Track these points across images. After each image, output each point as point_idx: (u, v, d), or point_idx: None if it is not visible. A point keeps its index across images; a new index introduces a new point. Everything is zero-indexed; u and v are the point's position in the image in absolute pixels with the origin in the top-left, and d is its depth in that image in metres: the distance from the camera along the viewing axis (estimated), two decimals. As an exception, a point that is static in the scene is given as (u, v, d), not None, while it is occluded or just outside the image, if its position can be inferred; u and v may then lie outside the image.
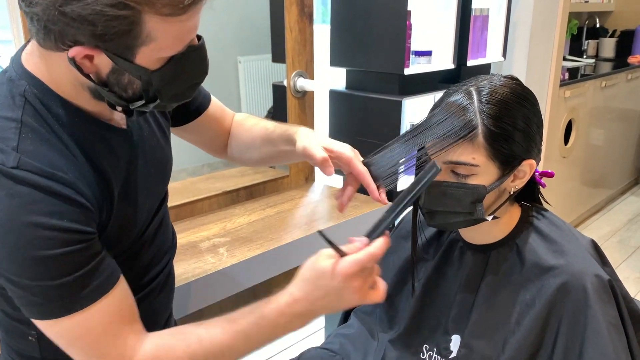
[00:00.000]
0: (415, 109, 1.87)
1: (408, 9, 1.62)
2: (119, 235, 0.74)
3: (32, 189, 0.61)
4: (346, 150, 0.84)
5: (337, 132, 1.85)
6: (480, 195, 0.79)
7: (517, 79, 0.85)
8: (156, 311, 0.86)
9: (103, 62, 0.62)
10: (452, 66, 1.88)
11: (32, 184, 0.61)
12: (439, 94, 1.90)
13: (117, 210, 0.73)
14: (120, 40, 0.60)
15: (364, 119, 1.77)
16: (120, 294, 0.69)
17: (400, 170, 0.84)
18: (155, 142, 0.82)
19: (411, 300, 0.96)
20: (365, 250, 0.67)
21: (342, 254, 0.68)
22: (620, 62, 3.63)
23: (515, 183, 0.83)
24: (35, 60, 0.67)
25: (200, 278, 1.19)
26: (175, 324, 1.00)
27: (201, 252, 1.31)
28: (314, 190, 1.77)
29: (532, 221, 0.87)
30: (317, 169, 1.82)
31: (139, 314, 0.73)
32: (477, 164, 0.78)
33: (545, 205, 0.92)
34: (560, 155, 2.84)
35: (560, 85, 2.61)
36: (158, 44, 0.62)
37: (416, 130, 0.82)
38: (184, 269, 1.23)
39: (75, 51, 0.60)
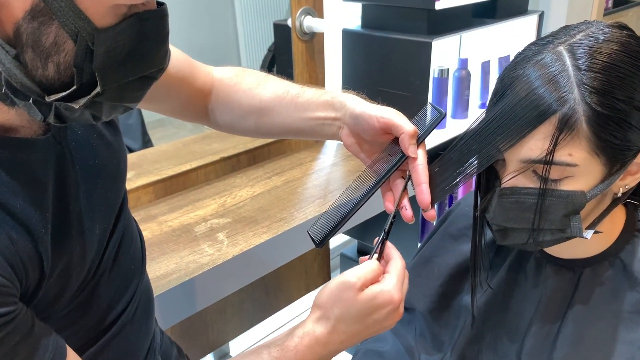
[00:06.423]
0: (446, 52, 1.58)
1: None
2: (64, 283, 0.52)
3: None
4: (406, 123, 0.62)
5: (353, 81, 1.57)
6: (577, 206, 0.55)
7: (627, 28, 0.58)
8: (128, 351, 0.65)
9: None
10: (488, -3, 1.57)
11: None
12: (468, 33, 1.60)
13: (55, 255, 0.49)
14: None
15: (385, 64, 1.49)
16: None
17: (458, 179, 0.59)
18: (96, 139, 0.58)
19: (467, 319, 0.75)
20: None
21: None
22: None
23: (626, 181, 0.59)
24: None
25: (196, 277, 0.98)
26: (163, 344, 0.80)
27: (196, 240, 1.09)
28: (326, 152, 1.53)
29: (641, 227, 0.64)
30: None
31: None
32: (575, 162, 0.53)
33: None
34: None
35: (604, 15, 2.28)
36: None
37: (487, 124, 0.57)
38: (176, 264, 1.01)
39: None
